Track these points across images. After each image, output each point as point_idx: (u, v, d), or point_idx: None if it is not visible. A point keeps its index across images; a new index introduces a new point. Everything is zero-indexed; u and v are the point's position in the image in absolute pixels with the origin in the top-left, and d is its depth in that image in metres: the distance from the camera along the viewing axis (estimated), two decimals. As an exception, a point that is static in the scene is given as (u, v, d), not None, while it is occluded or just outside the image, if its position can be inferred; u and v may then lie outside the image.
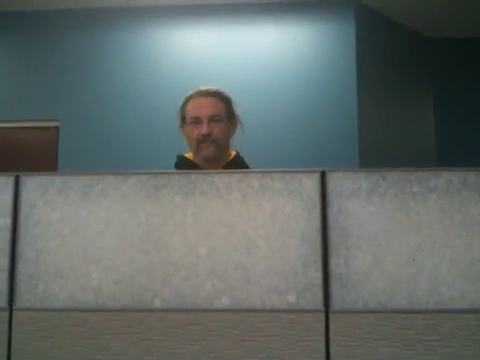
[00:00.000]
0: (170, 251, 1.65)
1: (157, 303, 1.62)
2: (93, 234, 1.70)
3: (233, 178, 1.67)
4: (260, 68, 4.14)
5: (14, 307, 1.67)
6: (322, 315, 1.51)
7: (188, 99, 2.66)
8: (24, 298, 1.68)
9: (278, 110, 4.06)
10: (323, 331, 1.49)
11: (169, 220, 1.68)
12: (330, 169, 1.64)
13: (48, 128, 4.42)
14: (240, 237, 1.62)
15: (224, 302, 1.58)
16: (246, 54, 4.22)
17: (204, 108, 2.54)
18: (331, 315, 1.51)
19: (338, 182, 1.61)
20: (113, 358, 1.61)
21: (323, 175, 1.63)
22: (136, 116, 4.20)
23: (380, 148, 4.28)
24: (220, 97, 2.61)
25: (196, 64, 4.21)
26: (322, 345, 1.48)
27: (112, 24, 4.39)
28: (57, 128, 4.38)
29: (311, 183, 1.62)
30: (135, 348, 1.60)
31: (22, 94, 4.38)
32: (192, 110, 2.59)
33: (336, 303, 1.51)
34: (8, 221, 1.73)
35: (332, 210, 1.60)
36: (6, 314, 1.67)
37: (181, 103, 2.69)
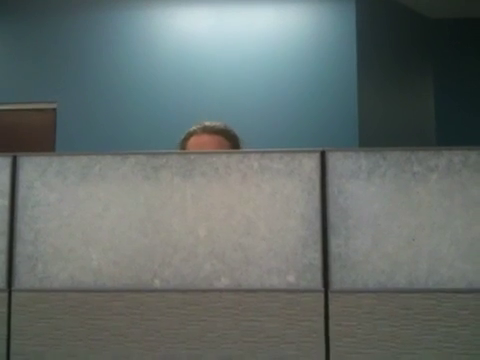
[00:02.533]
0: (169, 232, 1.65)
1: (156, 283, 1.63)
2: (92, 215, 1.69)
3: (232, 158, 1.66)
4: (260, 50, 4.11)
5: (13, 288, 1.68)
6: (321, 295, 1.52)
7: (190, 134, 2.44)
8: (23, 279, 1.68)
9: (278, 92, 4.03)
10: (322, 311, 1.50)
11: (168, 201, 1.67)
12: (330, 149, 1.63)
13: (45, 110, 4.38)
14: (239, 218, 1.62)
15: (223, 282, 1.59)
16: (245, 35, 4.18)
17: (208, 148, 2.28)
18: (330, 295, 1.51)
19: (338, 162, 1.61)
20: (113, 338, 1.62)
21: (323, 155, 1.63)
22: (134, 98, 4.18)
23: (380, 130, 4.27)
24: (226, 135, 2.36)
25: (195, 47, 4.17)
26: (321, 325, 1.49)
27: (110, 6, 4.33)
28: (54, 110, 4.35)
29: (311, 163, 1.62)
30: (135, 328, 1.61)
31: (19, 76, 4.34)
32: (194, 148, 2.34)
33: (335, 283, 1.52)
34: (6, 202, 1.72)
35: (332, 190, 1.60)
36: (5, 295, 1.67)
37: (182, 136, 2.48)
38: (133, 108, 4.15)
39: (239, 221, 1.61)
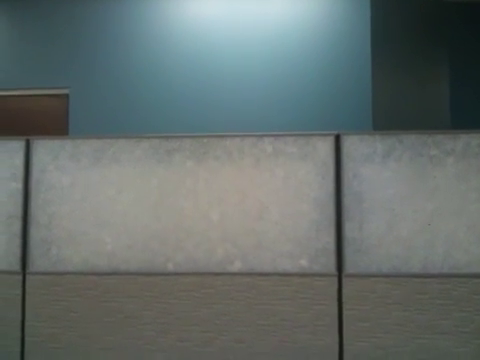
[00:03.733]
0: (182, 216, 1.65)
1: (170, 267, 1.63)
2: (105, 199, 1.70)
3: (246, 142, 1.65)
4: (273, 33, 4.06)
5: (27, 271, 1.70)
6: (335, 279, 1.51)
7: None
8: (37, 262, 1.70)
9: (292, 75, 3.99)
10: (336, 295, 1.50)
11: (181, 185, 1.67)
12: (345, 132, 1.62)
13: (58, 96, 4.39)
14: (252, 202, 1.62)
15: (236, 266, 1.59)
16: (259, 18, 4.14)
17: None
18: (344, 279, 1.51)
19: (353, 146, 1.59)
20: (126, 321, 1.63)
21: (338, 138, 1.61)
22: (146, 83, 4.17)
23: (394, 114, 4.21)
24: None
25: (207, 31, 4.14)
26: (334, 309, 1.49)
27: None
28: (67, 96, 4.35)
29: (325, 147, 1.60)
30: (148, 311, 1.62)
31: (32, 62, 4.36)
32: None
33: (349, 267, 1.51)
34: (19, 185, 1.73)
35: (346, 174, 1.58)
36: (19, 278, 1.69)
37: None
38: (145, 93, 4.15)
39: (252, 205, 1.61)
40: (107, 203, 1.71)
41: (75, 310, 1.66)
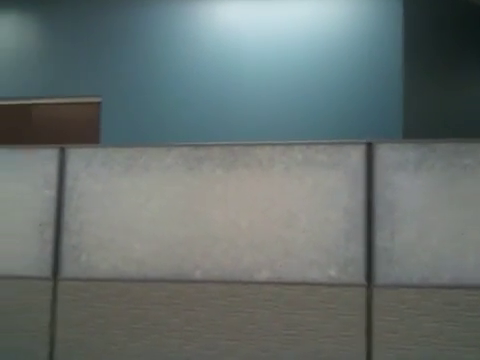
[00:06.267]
0: (210, 223, 1.74)
1: (197, 274, 1.71)
2: (135, 206, 1.80)
3: (276, 150, 1.73)
4: (304, 37, 4.12)
5: (58, 277, 1.81)
6: (364, 289, 1.56)
7: None
8: (68, 269, 1.81)
9: (322, 81, 4.03)
10: (364, 305, 1.54)
11: (210, 193, 1.76)
12: (377, 140, 1.67)
13: (90, 104, 4.59)
14: (281, 210, 1.68)
15: (264, 275, 1.66)
16: (290, 25, 4.22)
17: None
18: (374, 290, 1.55)
19: (385, 154, 1.64)
20: (153, 328, 1.72)
21: (369, 147, 1.66)
22: (177, 91, 4.30)
23: (426, 120, 4.18)
24: None
25: (239, 38, 4.25)
26: (362, 319, 1.53)
27: (152, 1, 4.48)
28: (99, 103, 4.55)
29: (356, 155, 1.66)
30: (175, 318, 1.71)
31: (66, 71, 4.57)
32: None
33: (379, 277, 1.56)
34: (53, 193, 1.86)
35: (378, 183, 1.63)
36: (50, 284, 1.81)
37: None
38: (176, 101, 4.29)
39: (280, 213, 1.68)
40: (137, 210, 1.81)
41: (103, 316, 1.76)
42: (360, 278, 1.57)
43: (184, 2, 4.37)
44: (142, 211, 1.81)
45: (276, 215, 1.69)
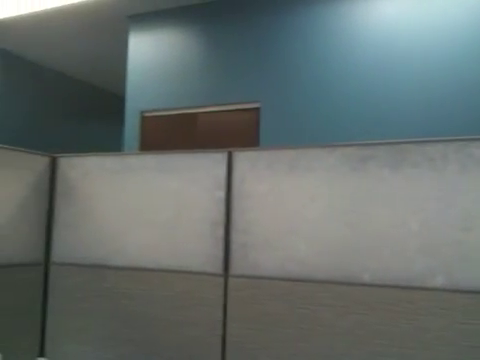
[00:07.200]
0: (377, 225, 1.69)
1: (366, 277, 1.68)
2: (299, 206, 1.84)
3: (450, 148, 1.63)
4: (457, 36, 3.84)
5: (229, 273, 1.92)
6: None
7: None
8: (237, 265, 1.91)
9: (472, 77, 3.72)
10: None
11: (376, 193, 1.72)
12: None
13: (250, 109, 4.80)
14: (457, 211, 1.58)
15: (438, 281, 1.57)
16: (442, 23, 3.96)
17: None
18: None
19: None
20: (319, 329, 1.73)
21: None
22: (334, 92, 4.29)
23: None
24: None
25: (397, 36, 4.10)
26: None
27: (306, 2, 4.53)
28: (258, 109, 4.73)
29: None
30: (342, 321, 1.69)
31: (227, 81, 4.85)
32: None
33: None
34: (222, 194, 1.98)
35: None
36: (222, 280, 1.92)
37: None
38: (334, 102, 4.27)
39: (456, 215, 1.58)
40: (300, 210, 1.84)
41: (271, 314, 1.82)
42: None
43: (341, 2, 4.35)
44: (306, 211, 1.83)
45: (452, 216, 1.59)
